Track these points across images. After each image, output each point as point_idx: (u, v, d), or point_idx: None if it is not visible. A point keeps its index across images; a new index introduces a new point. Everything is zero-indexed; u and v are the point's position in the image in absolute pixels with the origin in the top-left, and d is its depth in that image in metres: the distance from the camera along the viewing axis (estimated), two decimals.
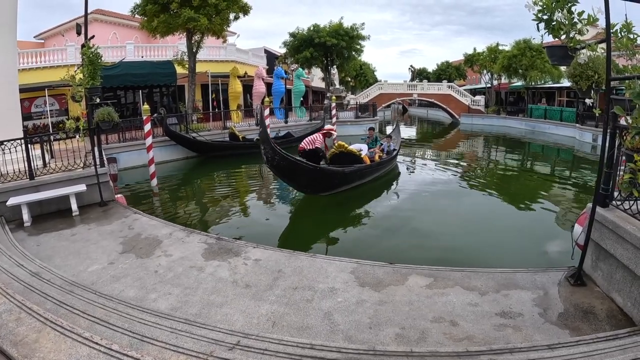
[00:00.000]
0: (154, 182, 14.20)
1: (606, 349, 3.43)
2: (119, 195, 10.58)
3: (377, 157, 15.23)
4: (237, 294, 5.27)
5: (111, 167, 12.48)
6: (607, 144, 4.68)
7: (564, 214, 11.50)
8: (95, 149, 9.88)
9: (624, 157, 4.25)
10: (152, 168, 14.17)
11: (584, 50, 4.41)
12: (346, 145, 13.34)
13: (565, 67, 4.72)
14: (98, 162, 9.69)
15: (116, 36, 31.41)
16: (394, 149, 17.09)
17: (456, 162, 22.32)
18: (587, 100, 4.36)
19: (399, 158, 19.48)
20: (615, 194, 4.89)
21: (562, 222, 10.52)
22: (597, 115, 5.81)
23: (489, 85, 47.76)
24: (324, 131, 14.10)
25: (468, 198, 13.50)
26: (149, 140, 14.28)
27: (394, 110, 71.37)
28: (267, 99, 21.62)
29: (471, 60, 50.39)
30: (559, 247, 7.73)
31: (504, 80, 44.41)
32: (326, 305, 4.93)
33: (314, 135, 13.58)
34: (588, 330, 4.23)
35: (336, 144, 13.25)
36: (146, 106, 14.35)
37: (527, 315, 4.58)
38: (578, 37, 4.38)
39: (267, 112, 19.65)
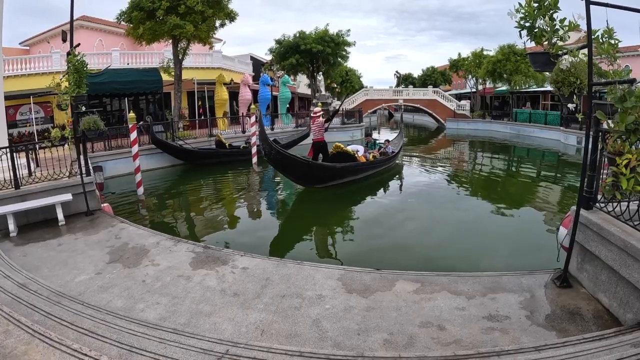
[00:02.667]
0: (141, 190, 14.10)
1: (593, 350, 3.46)
2: (105, 205, 10.46)
3: (371, 157, 16.75)
4: (226, 303, 5.25)
5: (97, 176, 12.39)
6: (589, 148, 4.76)
7: (549, 216, 11.59)
8: (81, 157, 9.78)
9: (606, 161, 4.32)
10: (139, 177, 14.06)
11: (566, 56, 4.48)
12: (343, 146, 14.89)
13: (548, 72, 4.79)
14: (84, 171, 9.59)
15: (102, 43, 31.15)
16: (392, 151, 18.63)
17: (442, 166, 22.54)
18: (570, 105, 4.41)
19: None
20: (599, 196, 4.97)
21: (548, 225, 10.58)
22: (579, 119, 5.87)
23: (474, 90, 48.16)
24: (317, 116, 14.96)
25: (454, 202, 13.56)
26: (135, 149, 14.17)
27: (379, 115, 71.65)
28: (253, 106, 21.55)
29: (456, 65, 50.77)
30: (545, 249, 7.76)
31: (488, 84, 44.80)
32: (314, 312, 4.92)
33: (315, 126, 14.73)
34: (575, 331, 4.27)
35: (334, 145, 14.82)
36: (132, 114, 14.24)
37: (514, 318, 4.62)
38: (560, 43, 4.46)
39: (253, 119, 19.64)
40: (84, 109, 9.64)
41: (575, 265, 5.32)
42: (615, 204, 4.52)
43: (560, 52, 4.39)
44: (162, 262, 6.74)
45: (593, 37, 4.19)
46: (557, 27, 4.38)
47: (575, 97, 4.70)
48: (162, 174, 18.56)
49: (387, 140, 19.94)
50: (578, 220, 4.96)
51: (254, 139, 19.35)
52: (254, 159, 19.27)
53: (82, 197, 9.46)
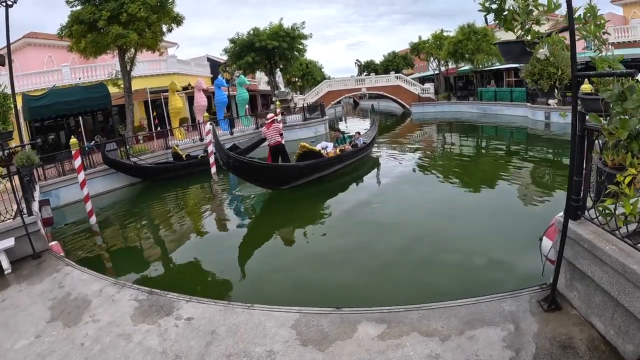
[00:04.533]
0: (93, 220, 13.02)
1: None
2: (53, 243, 9.41)
3: (338, 151, 16.42)
4: None
5: (44, 211, 11.28)
6: (576, 149, 4.01)
7: (528, 222, 9.77)
8: (20, 195, 8.77)
9: (602, 176, 3.54)
10: (89, 205, 12.97)
11: (544, 45, 3.68)
12: (308, 145, 14.86)
13: (520, 64, 3.99)
14: (25, 211, 8.56)
15: (52, 59, 29.58)
16: (363, 143, 18.37)
17: (411, 154, 22.13)
18: (551, 101, 3.61)
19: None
20: (589, 203, 4.22)
21: (527, 233, 8.69)
22: (562, 116, 5.12)
23: (437, 72, 47.91)
24: (270, 121, 15.09)
25: (423, 198, 12.82)
26: (81, 176, 13.03)
27: (345, 104, 71.21)
28: (206, 114, 20.44)
29: (417, 48, 50.50)
30: (526, 261, 6.90)
31: (451, 65, 44.58)
32: None
33: (271, 131, 14.75)
34: None
35: (300, 145, 14.77)
36: (74, 139, 13.06)
37: None
38: (536, 27, 3.64)
39: (207, 127, 18.70)
40: (13, 144, 8.68)
41: (564, 282, 4.57)
42: (607, 214, 3.78)
43: (536, 40, 3.56)
44: (104, 317, 5.91)
45: (574, 16, 3.37)
46: (531, 7, 3.55)
47: (557, 91, 3.91)
48: (119, 196, 17.42)
49: (358, 133, 19.67)
50: (566, 235, 4.20)
51: (210, 148, 18.43)
52: (213, 169, 18.33)
53: (27, 239, 8.45)
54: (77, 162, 13.03)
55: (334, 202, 13.37)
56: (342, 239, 10.02)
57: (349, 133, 20.59)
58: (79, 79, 25.95)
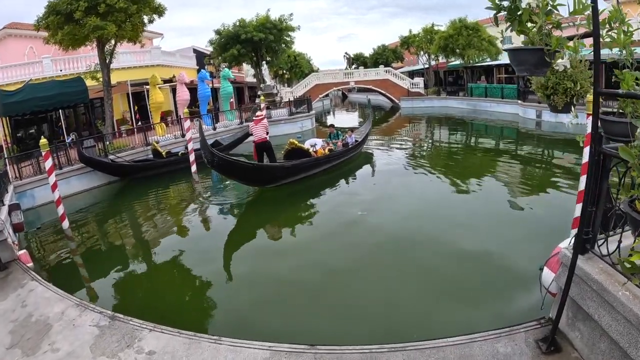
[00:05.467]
0: (66, 224, 12.25)
1: None
2: (22, 252, 8.72)
3: (327, 151, 16.20)
4: None
5: (14, 216, 10.60)
6: (591, 177, 3.45)
7: (525, 247, 8.44)
8: None
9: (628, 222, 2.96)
10: (61, 209, 12.19)
11: (565, 55, 3.11)
12: (296, 142, 14.86)
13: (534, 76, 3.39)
14: None
15: (33, 51, 28.73)
16: (355, 141, 18.03)
17: (401, 150, 21.65)
18: (566, 120, 3.04)
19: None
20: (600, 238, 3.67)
21: (525, 259, 7.69)
22: (580, 142, 4.51)
23: (426, 66, 47.42)
24: (260, 118, 14.80)
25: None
26: (52, 179, 12.22)
27: (334, 97, 70.49)
28: (186, 110, 19.61)
29: (407, 42, 49.98)
30: (522, 291, 6.26)
31: (441, 60, 44.12)
32: None
33: (258, 128, 14.43)
34: None
35: (289, 142, 14.82)
36: (44, 140, 12.28)
37: None
38: (557, 32, 3.05)
39: (187, 123, 18.00)
40: None
41: (566, 320, 4.01)
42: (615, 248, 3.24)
43: (558, 49, 2.96)
44: (63, 346, 5.41)
45: (599, 20, 2.79)
46: (550, 7, 2.94)
47: (573, 109, 3.35)
48: (95, 195, 16.63)
49: (351, 130, 19.41)
50: (573, 272, 3.65)
51: (190, 145, 17.76)
52: (193, 168, 17.63)
53: None
54: (48, 164, 12.26)
55: (319, 207, 12.72)
56: (322, 257, 9.06)
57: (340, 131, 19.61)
58: (60, 71, 25.11)
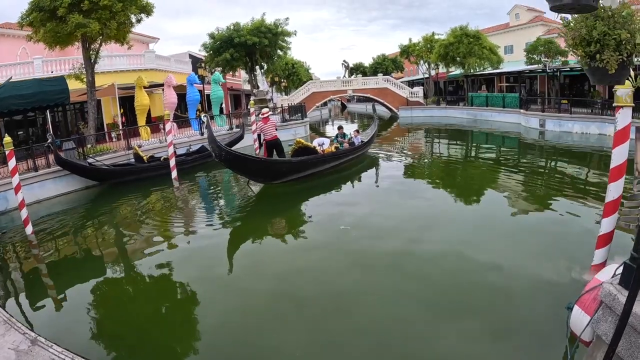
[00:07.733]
0: (29, 229, 11.33)
1: None
2: None
3: (333, 149, 16.58)
4: None
5: None
6: None
7: (538, 273, 6.96)
8: None
9: None
10: (24, 213, 11.27)
11: None
12: (303, 141, 15.16)
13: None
14: None
15: (26, 51, 27.91)
16: (361, 141, 18.34)
17: (400, 161, 20.77)
18: (621, 91, 2.04)
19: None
20: None
21: (541, 290, 6.41)
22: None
23: (426, 75, 46.77)
24: (267, 117, 15.40)
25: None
26: (16, 180, 11.31)
27: (333, 107, 69.67)
28: (166, 111, 18.48)
29: (407, 51, 49.30)
30: (538, 336, 5.05)
31: (441, 69, 43.48)
32: None
33: (268, 126, 15.08)
34: None
35: (296, 141, 15.15)
36: (8, 138, 11.31)
37: None
38: None
39: (168, 126, 17.02)
40: None
41: None
42: None
43: None
44: None
45: None
46: None
47: (632, 73, 2.34)
48: (71, 200, 15.58)
49: (357, 131, 19.56)
50: (628, 317, 2.61)
51: (170, 150, 16.81)
52: (173, 173, 16.66)
53: None
54: (11, 164, 11.32)
55: (320, 212, 12.06)
56: (314, 286, 7.49)
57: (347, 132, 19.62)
58: (51, 72, 24.11)
